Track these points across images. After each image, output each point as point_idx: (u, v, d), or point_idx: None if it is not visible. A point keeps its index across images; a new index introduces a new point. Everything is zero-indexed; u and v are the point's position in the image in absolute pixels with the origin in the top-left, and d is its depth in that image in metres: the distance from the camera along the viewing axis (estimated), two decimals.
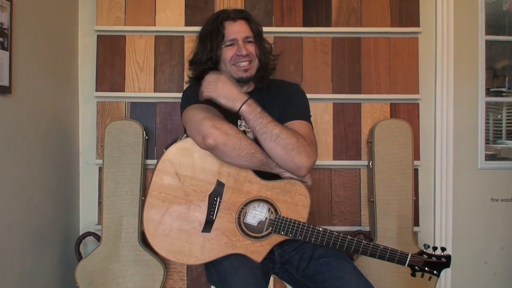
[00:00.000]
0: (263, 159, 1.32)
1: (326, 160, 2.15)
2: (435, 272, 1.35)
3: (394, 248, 1.34)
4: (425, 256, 1.35)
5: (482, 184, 2.25)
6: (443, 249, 1.38)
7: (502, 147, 2.36)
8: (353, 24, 2.17)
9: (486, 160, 2.26)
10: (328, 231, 1.34)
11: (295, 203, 1.35)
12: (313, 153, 1.34)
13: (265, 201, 1.35)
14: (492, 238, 2.26)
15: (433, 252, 1.37)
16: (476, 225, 2.25)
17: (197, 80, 1.51)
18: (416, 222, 2.13)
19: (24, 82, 1.68)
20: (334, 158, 2.16)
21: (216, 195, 1.33)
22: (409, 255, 1.34)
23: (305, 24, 2.17)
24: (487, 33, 2.25)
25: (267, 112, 1.34)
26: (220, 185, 1.34)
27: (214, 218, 1.33)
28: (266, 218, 1.35)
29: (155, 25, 2.14)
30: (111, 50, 2.13)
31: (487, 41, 2.26)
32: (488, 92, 2.29)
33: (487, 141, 2.29)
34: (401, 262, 1.34)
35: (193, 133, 1.31)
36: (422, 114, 2.19)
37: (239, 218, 1.35)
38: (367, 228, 2.14)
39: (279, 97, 1.51)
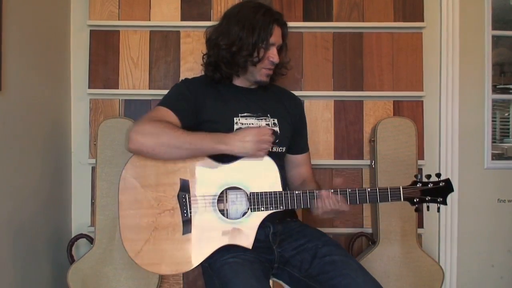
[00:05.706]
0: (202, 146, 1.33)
1: (327, 159, 2.11)
2: (439, 199, 1.28)
3: (382, 187, 1.29)
4: (419, 185, 1.28)
5: (488, 184, 2.21)
6: (438, 175, 1.30)
7: (509, 146, 2.33)
8: (355, 19, 2.13)
9: (492, 159, 2.22)
10: (308, 191, 1.32)
11: (265, 175, 1.33)
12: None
13: (235, 187, 1.33)
14: (499, 240, 2.21)
15: (428, 180, 1.30)
16: (483, 227, 2.21)
17: (208, 66, 1.50)
18: (420, 224, 2.08)
19: (14, 79, 1.63)
20: (335, 158, 2.12)
21: (183, 193, 1.32)
22: (401, 188, 1.29)
23: (305, 18, 2.12)
24: (494, 28, 2.21)
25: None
26: (184, 182, 1.33)
27: (189, 216, 1.32)
28: (248, 208, 1.32)
29: (150, 20, 2.08)
30: (104, 46, 2.08)
31: (493, 36, 2.21)
32: (495, 89, 2.25)
33: (493, 139, 2.25)
34: (396, 198, 1.30)
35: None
36: (427, 112, 2.15)
37: (213, 207, 1.32)
38: (370, 230, 2.09)
39: (284, 103, 1.57)
